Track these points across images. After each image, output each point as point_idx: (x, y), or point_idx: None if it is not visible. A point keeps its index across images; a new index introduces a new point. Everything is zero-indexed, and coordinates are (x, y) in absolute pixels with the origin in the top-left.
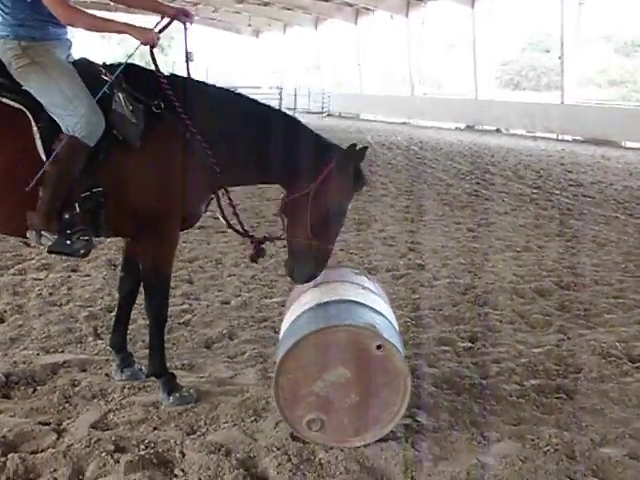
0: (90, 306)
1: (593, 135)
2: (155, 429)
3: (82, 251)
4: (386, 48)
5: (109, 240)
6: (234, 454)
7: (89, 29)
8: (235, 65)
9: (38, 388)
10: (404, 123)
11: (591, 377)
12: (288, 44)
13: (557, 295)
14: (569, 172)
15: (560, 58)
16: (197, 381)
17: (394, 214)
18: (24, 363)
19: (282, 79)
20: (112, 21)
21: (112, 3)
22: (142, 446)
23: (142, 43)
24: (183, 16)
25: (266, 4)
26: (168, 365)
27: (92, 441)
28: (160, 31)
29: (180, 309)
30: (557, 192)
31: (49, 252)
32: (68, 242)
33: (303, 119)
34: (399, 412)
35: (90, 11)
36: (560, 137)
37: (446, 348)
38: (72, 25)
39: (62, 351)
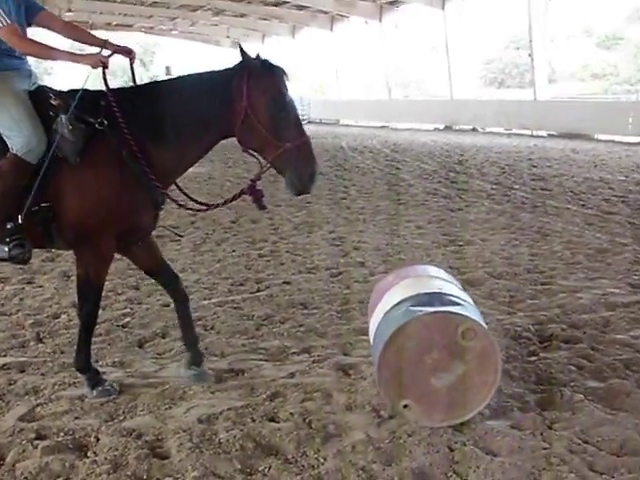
0: (37, 314)
1: (566, 130)
2: (77, 418)
3: (19, 257)
4: (363, 53)
5: (66, 253)
6: (144, 437)
7: (42, 58)
8: None
9: None
10: (383, 127)
11: None
12: (267, 53)
13: (487, 284)
14: (534, 167)
15: (530, 55)
16: (123, 376)
17: (348, 216)
18: None
19: None
20: (63, 51)
21: (64, 38)
22: (62, 434)
23: (92, 67)
24: (125, 53)
25: (243, 15)
26: (100, 362)
27: (16, 431)
28: (109, 56)
29: (121, 313)
30: (516, 187)
31: None
32: (6, 249)
33: None
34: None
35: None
36: (535, 133)
37: (364, 337)
38: (27, 54)
39: (4, 355)
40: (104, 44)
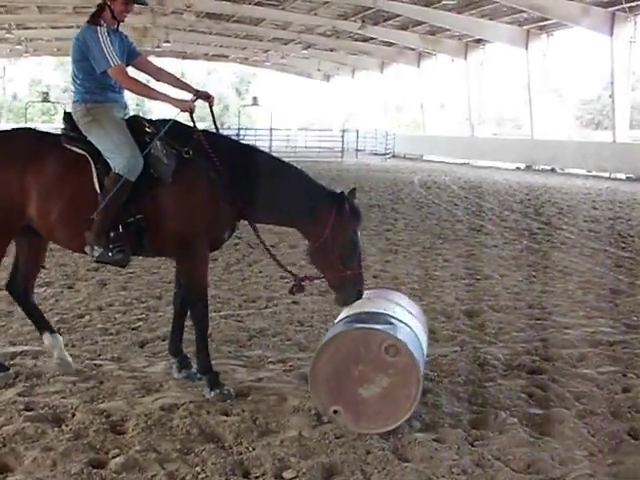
0: (65, 314)
1: None
2: (63, 398)
3: (121, 261)
4: (448, 90)
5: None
6: (111, 417)
7: (143, 95)
8: (307, 108)
9: None
10: (464, 164)
11: (454, 381)
12: (357, 87)
13: (483, 316)
14: (595, 209)
15: (611, 97)
16: (115, 368)
17: (383, 246)
18: None
19: (352, 121)
20: (160, 92)
21: (152, 79)
22: (46, 408)
23: (181, 110)
24: (205, 97)
25: (332, 50)
26: (102, 356)
27: (10, 402)
28: (193, 101)
29: (136, 318)
30: (564, 227)
31: (96, 262)
32: (110, 254)
33: (367, 161)
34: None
35: (144, 82)
36: (613, 175)
37: None
38: (131, 91)
39: (25, 344)
40: (192, 90)
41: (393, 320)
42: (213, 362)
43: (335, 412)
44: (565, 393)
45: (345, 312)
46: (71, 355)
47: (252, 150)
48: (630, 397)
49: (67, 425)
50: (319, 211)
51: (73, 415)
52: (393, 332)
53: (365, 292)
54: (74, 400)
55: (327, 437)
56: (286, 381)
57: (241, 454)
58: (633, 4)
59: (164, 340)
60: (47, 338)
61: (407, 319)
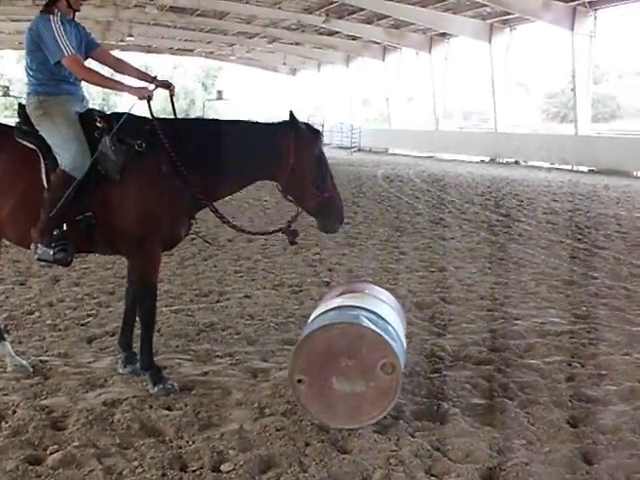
0: (14, 310)
1: (606, 165)
2: (5, 395)
3: (62, 260)
4: (413, 83)
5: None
6: (53, 413)
7: (99, 85)
8: (273, 102)
9: None
10: (429, 157)
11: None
12: (323, 81)
13: (434, 308)
14: (555, 201)
15: (573, 90)
16: (60, 364)
17: (340, 240)
18: None
19: (318, 115)
20: (117, 81)
21: (112, 70)
22: None
23: (139, 98)
24: (165, 86)
25: (297, 43)
26: (48, 353)
27: None
28: (153, 90)
29: (86, 313)
30: (523, 219)
31: (38, 260)
32: (51, 252)
33: (333, 154)
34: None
35: (102, 72)
36: (575, 168)
37: (288, 347)
38: (86, 81)
39: None
40: (152, 79)
41: (397, 338)
42: (161, 356)
43: (299, 381)
44: (509, 383)
45: (352, 299)
46: (17, 352)
47: (204, 123)
48: (572, 386)
49: (6, 422)
50: (278, 145)
51: (14, 412)
52: (399, 353)
53: (371, 286)
54: (16, 397)
55: (268, 430)
56: (231, 375)
57: (180, 448)
58: None
59: (112, 335)
60: None
61: (404, 341)
